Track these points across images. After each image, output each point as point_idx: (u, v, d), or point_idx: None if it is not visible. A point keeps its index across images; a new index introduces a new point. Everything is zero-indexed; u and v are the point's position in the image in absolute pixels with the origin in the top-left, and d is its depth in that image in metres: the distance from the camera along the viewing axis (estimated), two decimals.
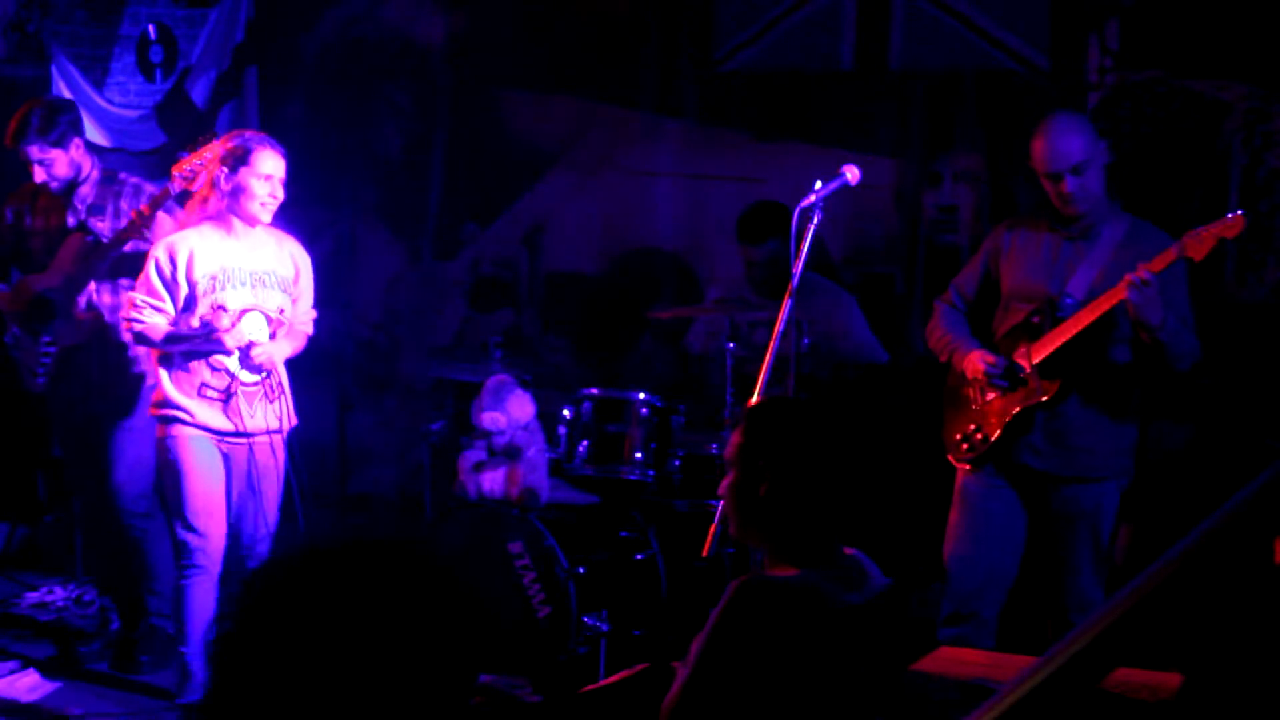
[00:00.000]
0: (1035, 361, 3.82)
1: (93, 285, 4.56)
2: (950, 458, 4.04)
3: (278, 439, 4.27)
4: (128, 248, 4.49)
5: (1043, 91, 4.92)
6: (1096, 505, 3.86)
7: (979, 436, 3.94)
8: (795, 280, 3.64)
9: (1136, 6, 4.82)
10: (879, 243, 5.37)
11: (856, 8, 5.27)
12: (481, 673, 4.30)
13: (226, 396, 4.15)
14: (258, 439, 4.22)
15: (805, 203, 3.66)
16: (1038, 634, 4.02)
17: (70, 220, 4.62)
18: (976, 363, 3.93)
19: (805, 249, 3.64)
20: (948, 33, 5.12)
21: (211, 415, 4.15)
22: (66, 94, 6.23)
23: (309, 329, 4.40)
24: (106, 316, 4.59)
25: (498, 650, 4.45)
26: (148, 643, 4.74)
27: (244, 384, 4.17)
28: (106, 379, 4.64)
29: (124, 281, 4.60)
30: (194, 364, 4.13)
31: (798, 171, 4.89)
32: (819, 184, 3.68)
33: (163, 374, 4.15)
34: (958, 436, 4.00)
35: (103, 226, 4.54)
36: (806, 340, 4.68)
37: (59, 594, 5.44)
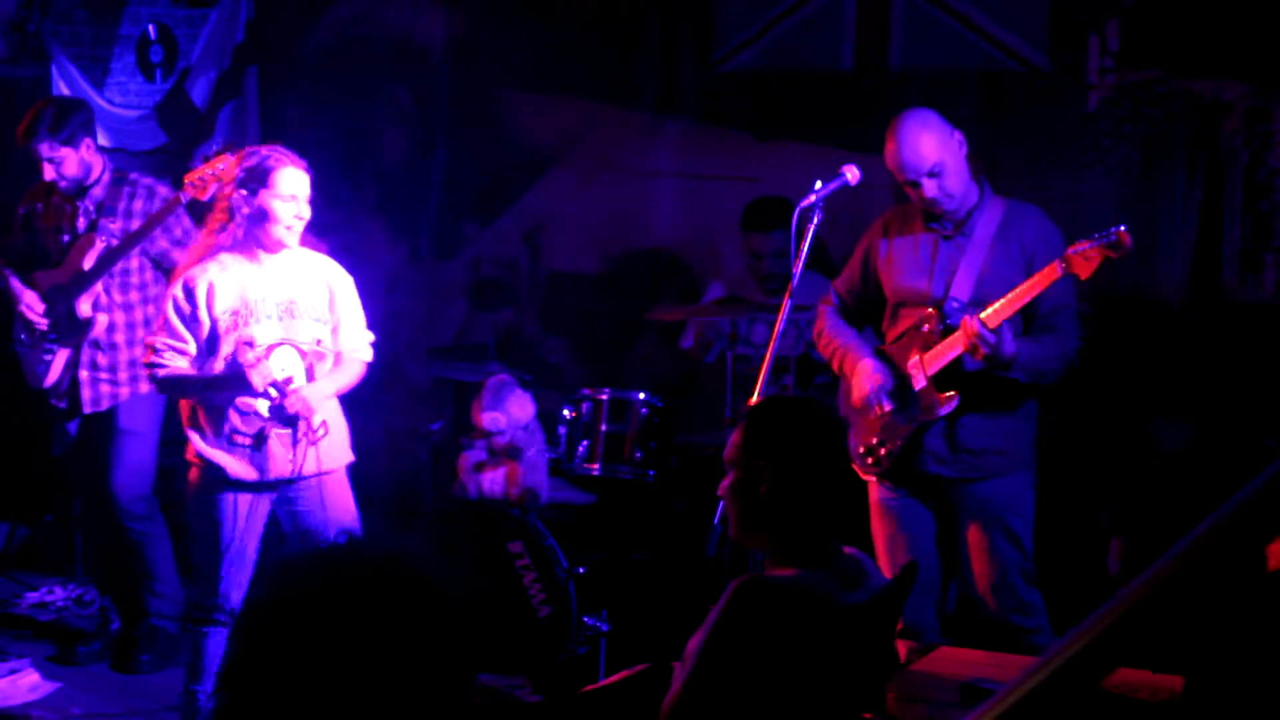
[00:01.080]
0: (930, 374, 3.74)
1: (100, 286, 4.56)
2: (855, 468, 3.94)
3: (332, 478, 3.88)
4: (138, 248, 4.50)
5: (1043, 91, 4.92)
6: (1010, 503, 3.79)
7: (883, 451, 3.85)
8: (795, 280, 3.64)
9: (1136, 6, 4.82)
10: None
11: (856, 8, 5.27)
12: (481, 673, 4.31)
13: (258, 442, 3.75)
14: (304, 483, 3.82)
15: (805, 203, 3.65)
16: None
17: (81, 220, 4.62)
18: (864, 383, 3.85)
19: (805, 249, 3.64)
20: (948, 33, 5.12)
21: (243, 467, 3.76)
22: (67, 94, 6.23)
23: (364, 355, 3.97)
24: (114, 316, 4.59)
25: (498, 650, 4.46)
26: (148, 643, 4.74)
27: (278, 428, 3.77)
28: (113, 378, 4.64)
29: (133, 280, 4.61)
30: (220, 410, 3.76)
31: (797, 171, 4.89)
32: (819, 184, 3.67)
33: (192, 432, 3.79)
34: (861, 449, 3.90)
35: (114, 227, 4.54)
36: (805, 341, 4.69)
37: (59, 594, 5.44)
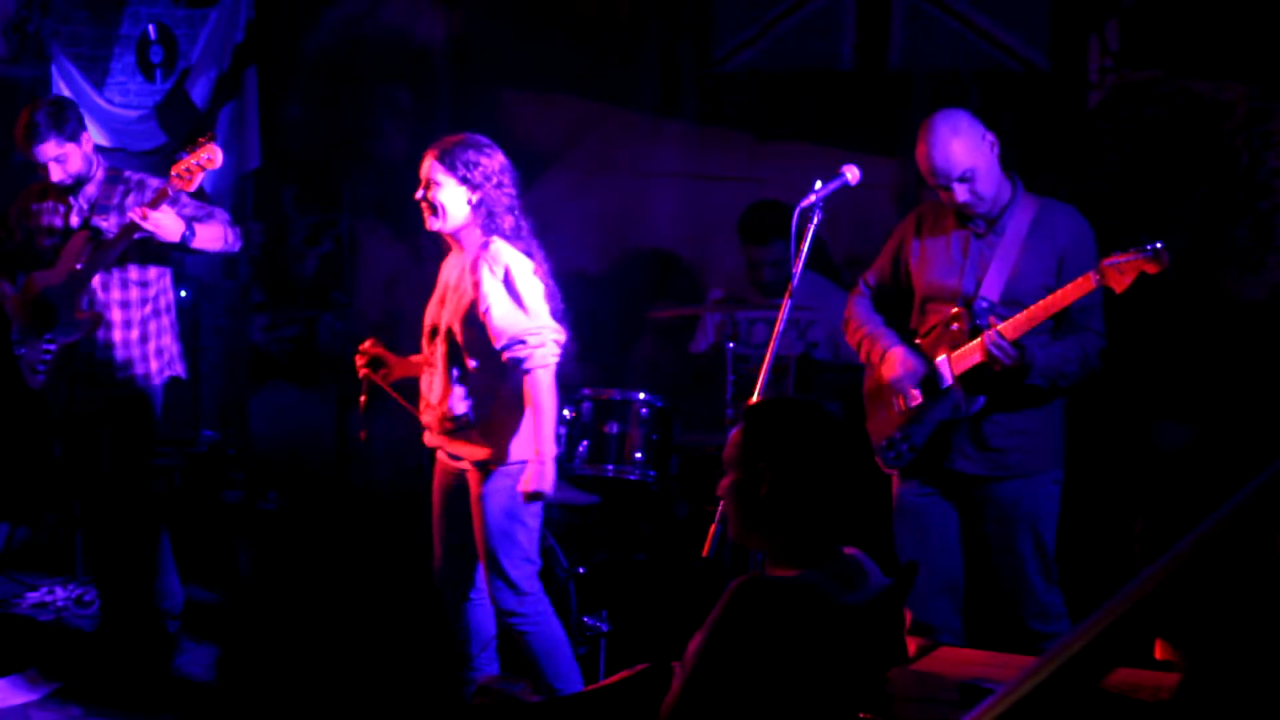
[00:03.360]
0: (958, 374, 3.74)
1: (97, 281, 4.55)
2: (878, 461, 3.94)
3: (472, 476, 3.88)
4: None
5: (1043, 91, 4.92)
6: (1033, 504, 3.79)
7: (905, 446, 3.86)
8: (795, 280, 3.64)
9: (1136, 6, 4.82)
10: (879, 243, 5.36)
11: (856, 8, 5.28)
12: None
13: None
14: (455, 467, 3.98)
15: (805, 203, 3.65)
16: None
17: (75, 218, 4.62)
18: (896, 369, 3.86)
19: (805, 249, 3.63)
20: (948, 33, 5.12)
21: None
22: (67, 94, 6.23)
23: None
24: (110, 314, 4.58)
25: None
26: (148, 643, 4.74)
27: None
28: (108, 377, 4.63)
29: (133, 276, 4.59)
30: None
31: (798, 171, 4.89)
32: (819, 184, 3.67)
33: None
34: (883, 443, 3.91)
35: (107, 225, 4.53)
36: (805, 342, 4.69)
37: (59, 594, 5.44)
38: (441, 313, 3.92)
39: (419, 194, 3.91)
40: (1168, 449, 4.66)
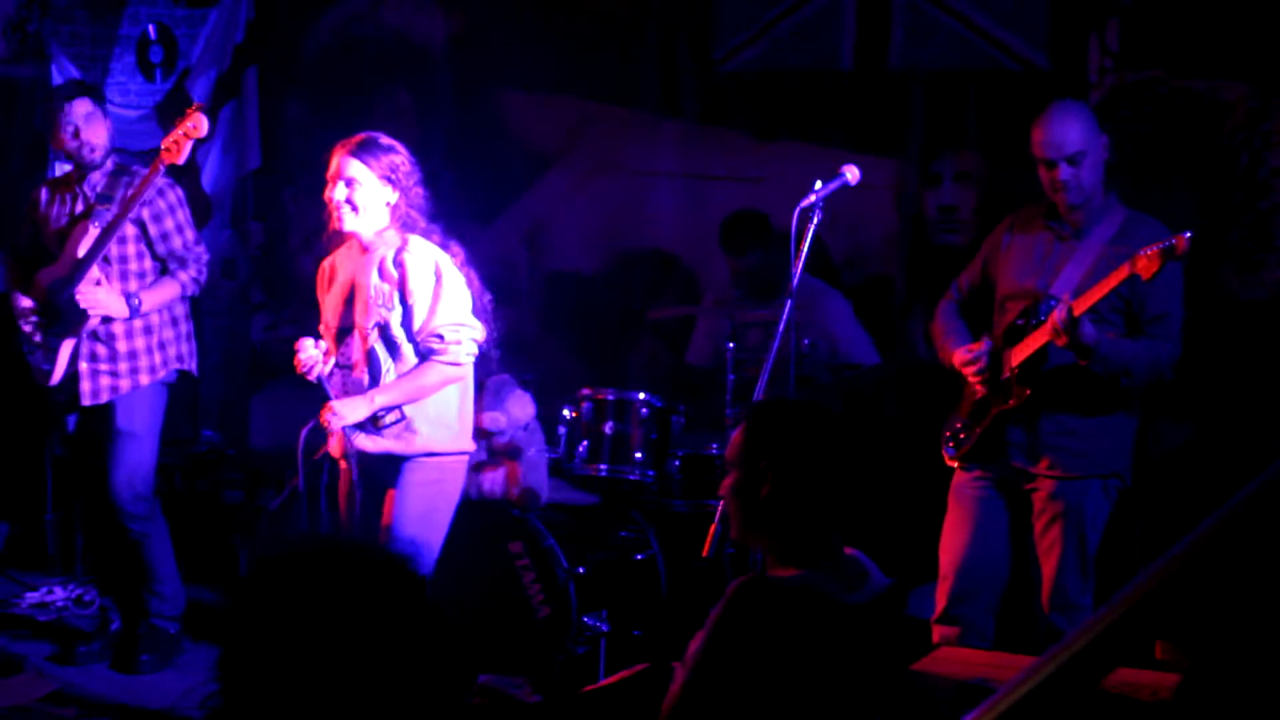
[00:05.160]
0: (1015, 364, 3.80)
1: (98, 273, 4.53)
2: (943, 454, 4.03)
3: (391, 466, 3.88)
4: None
5: (1043, 91, 4.92)
6: (1079, 505, 3.81)
7: (963, 435, 3.95)
8: (795, 281, 3.64)
9: (1136, 6, 4.82)
10: (879, 243, 5.37)
11: (856, 8, 5.28)
12: (481, 673, 4.31)
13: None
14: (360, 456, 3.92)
15: (805, 203, 3.65)
16: (1035, 634, 4.02)
17: (79, 207, 4.63)
18: (957, 363, 3.96)
19: (805, 250, 3.63)
20: (948, 33, 5.12)
21: None
22: None
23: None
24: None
25: (498, 650, 4.46)
26: (148, 643, 4.74)
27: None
28: (112, 370, 4.62)
29: (132, 268, 4.59)
30: None
31: (798, 171, 4.89)
32: (819, 184, 3.67)
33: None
34: (947, 434, 4.02)
35: (109, 216, 4.53)
36: (807, 341, 4.69)
37: (59, 594, 5.44)
38: (354, 313, 3.88)
39: (331, 193, 3.82)
40: (1168, 449, 4.66)
